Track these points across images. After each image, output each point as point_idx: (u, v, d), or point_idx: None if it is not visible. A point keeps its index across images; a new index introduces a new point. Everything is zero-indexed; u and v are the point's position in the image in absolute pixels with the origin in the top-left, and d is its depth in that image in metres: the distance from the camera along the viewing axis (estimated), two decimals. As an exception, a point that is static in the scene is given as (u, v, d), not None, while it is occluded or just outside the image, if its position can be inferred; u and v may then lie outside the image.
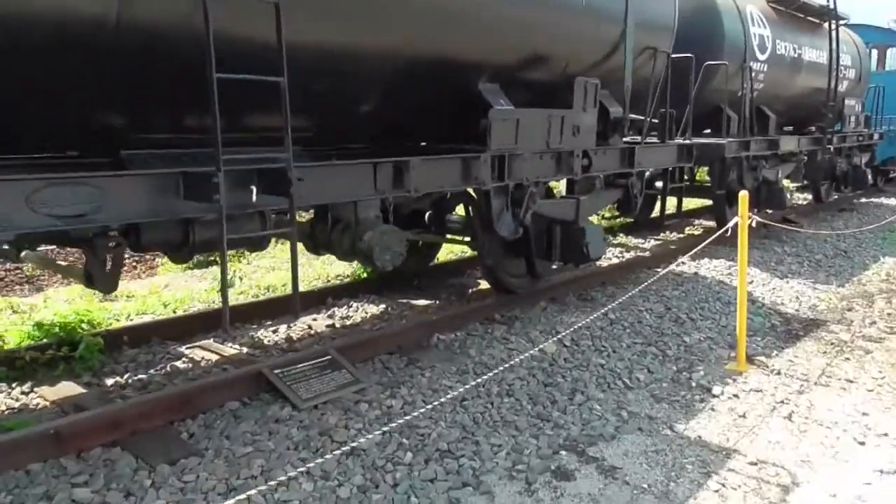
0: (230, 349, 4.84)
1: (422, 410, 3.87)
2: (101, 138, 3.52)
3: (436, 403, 3.93)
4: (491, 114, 4.64)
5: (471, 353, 4.78)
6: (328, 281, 6.95)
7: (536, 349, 4.91)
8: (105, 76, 3.13)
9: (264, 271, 7.82)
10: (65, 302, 6.17)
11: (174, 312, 5.80)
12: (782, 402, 4.42)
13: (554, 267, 5.93)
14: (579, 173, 5.57)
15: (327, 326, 5.40)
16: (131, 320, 5.56)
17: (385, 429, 3.64)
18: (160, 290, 6.91)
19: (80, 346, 4.41)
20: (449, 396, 3.87)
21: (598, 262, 6.11)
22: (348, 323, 5.55)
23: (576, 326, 5.36)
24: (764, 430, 4.06)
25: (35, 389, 4.08)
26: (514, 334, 5.20)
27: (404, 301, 6.18)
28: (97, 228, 3.29)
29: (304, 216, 4.67)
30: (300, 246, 4.30)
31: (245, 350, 4.87)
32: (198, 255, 3.73)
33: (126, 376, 4.31)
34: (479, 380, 4.28)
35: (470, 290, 6.58)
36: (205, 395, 3.84)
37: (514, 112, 4.83)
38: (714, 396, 4.47)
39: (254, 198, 3.31)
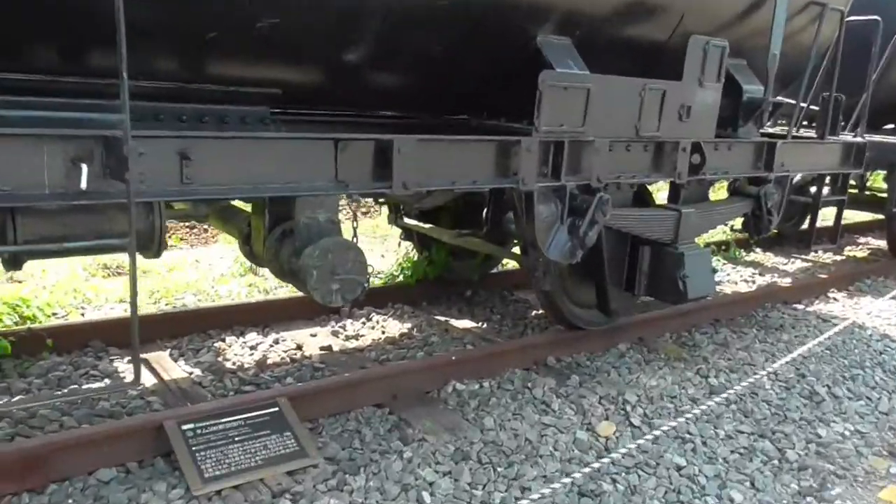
0: (179, 370, 3.69)
1: (364, 527, 2.54)
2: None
3: (390, 517, 2.58)
4: (543, 78, 3.11)
5: (486, 422, 3.34)
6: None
7: (584, 429, 3.39)
8: None
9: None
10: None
11: (156, 304, 4.78)
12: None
13: (640, 301, 4.31)
14: (685, 175, 3.91)
15: (322, 349, 4.14)
16: (99, 310, 4.58)
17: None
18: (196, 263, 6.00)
19: (-26, 352, 3.42)
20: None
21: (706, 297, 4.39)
22: (351, 346, 4.26)
23: (655, 395, 3.78)
24: None
25: None
26: (561, 396, 3.70)
27: (443, 319, 4.81)
28: None
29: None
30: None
31: (196, 373, 3.71)
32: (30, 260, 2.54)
33: (16, 400, 3.27)
34: (474, 483, 2.87)
35: (535, 312, 5.09)
36: (69, 453, 2.69)
37: (581, 78, 3.27)
38: (854, 555, 2.78)
39: (83, 182, 2.06)
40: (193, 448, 2.81)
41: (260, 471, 2.79)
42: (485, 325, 4.79)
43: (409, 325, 4.66)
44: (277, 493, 2.69)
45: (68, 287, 4.89)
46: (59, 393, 3.17)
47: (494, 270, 5.63)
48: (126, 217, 2.33)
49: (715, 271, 4.35)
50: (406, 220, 4.91)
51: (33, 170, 2.09)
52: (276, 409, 3.10)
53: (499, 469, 3.00)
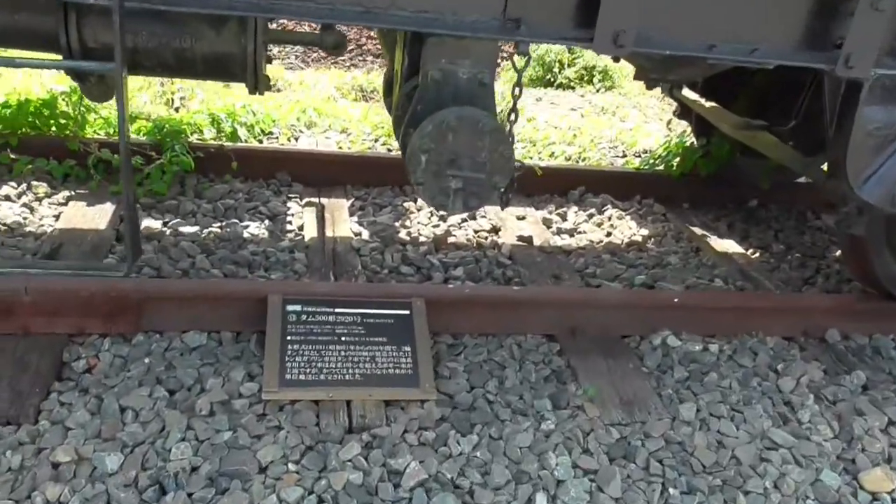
0: (346, 227, 3.18)
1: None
2: None
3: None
4: None
5: (685, 409, 2.30)
6: (622, 155, 4.59)
7: (839, 469, 2.18)
8: None
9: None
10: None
11: (375, 141, 4.27)
12: None
13: None
14: None
15: (520, 239, 3.29)
16: (314, 136, 4.22)
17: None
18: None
19: (155, 163, 3.21)
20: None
21: None
22: (558, 243, 3.35)
23: None
24: None
25: (71, 202, 3.07)
26: (822, 399, 2.45)
27: (701, 233, 3.61)
28: None
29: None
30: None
31: (363, 235, 3.16)
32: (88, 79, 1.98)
33: (172, 224, 3.03)
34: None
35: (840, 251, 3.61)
36: (163, 306, 2.32)
37: None
38: None
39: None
40: (288, 337, 2.27)
41: (352, 390, 2.17)
42: (756, 255, 3.50)
43: (649, 231, 3.57)
44: (356, 429, 2.07)
45: (305, 106, 4.61)
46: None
47: (801, 179, 4.11)
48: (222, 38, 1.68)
49: None
50: (685, 91, 3.63)
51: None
52: (407, 312, 2.42)
53: (670, 491, 2.02)
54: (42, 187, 3.11)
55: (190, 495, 1.79)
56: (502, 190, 1.84)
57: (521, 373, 2.40)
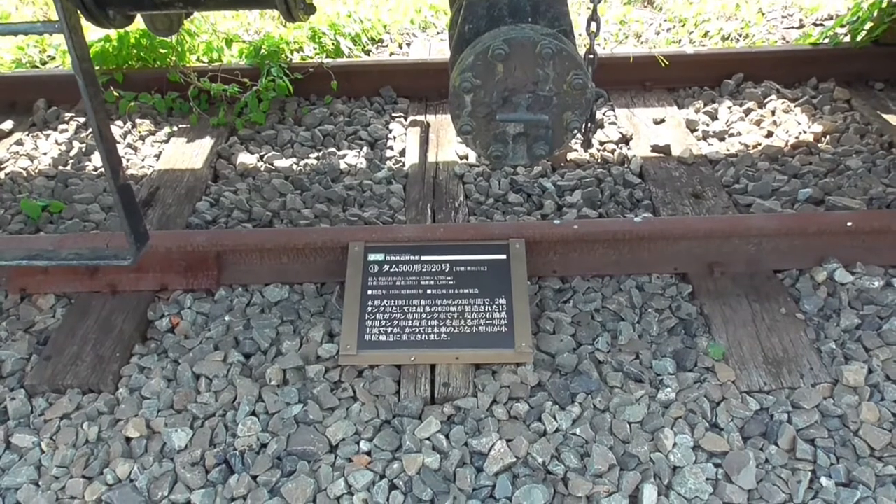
0: (451, 149, 2.85)
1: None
2: None
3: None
4: None
5: (850, 372, 1.81)
6: (798, 26, 3.75)
7: None
8: None
9: None
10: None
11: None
12: None
13: None
14: None
15: (653, 149, 2.77)
16: (431, 39, 3.83)
17: None
18: None
19: (250, 91, 3.03)
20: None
21: None
22: (705, 150, 2.78)
23: None
24: None
25: (172, 139, 2.99)
26: None
27: (896, 120, 2.88)
28: None
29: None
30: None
31: (470, 158, 2.81)
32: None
33: (267, 158, 2.86)
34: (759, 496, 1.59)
35: None
36: (242, 257, 2.19)
37: None
38: None
39: None
40: (369, 291, 2.05)
41: (437, 351, 1.93)
42: (973, 148, 2.72)
43: (824, 125, 2.88)
44: (438, 399, 1.84)
45: (421, 4, 4.20)
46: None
47: None
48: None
49: None
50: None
51: None
52: (503, 256, 2.10)
53: (822, 482, 1.60)
54: (145, 124, 3.07)
55: (255, 477, 1.67)
56: (580, 128, 1.41)
57: (639, 324, 2.02)
